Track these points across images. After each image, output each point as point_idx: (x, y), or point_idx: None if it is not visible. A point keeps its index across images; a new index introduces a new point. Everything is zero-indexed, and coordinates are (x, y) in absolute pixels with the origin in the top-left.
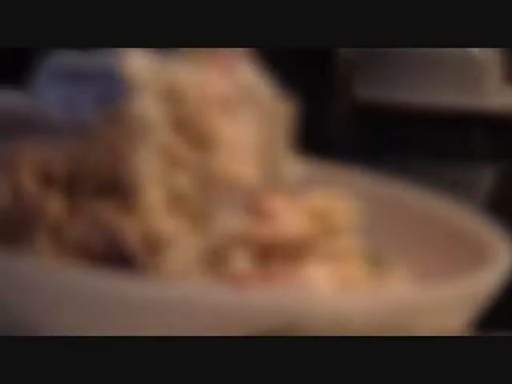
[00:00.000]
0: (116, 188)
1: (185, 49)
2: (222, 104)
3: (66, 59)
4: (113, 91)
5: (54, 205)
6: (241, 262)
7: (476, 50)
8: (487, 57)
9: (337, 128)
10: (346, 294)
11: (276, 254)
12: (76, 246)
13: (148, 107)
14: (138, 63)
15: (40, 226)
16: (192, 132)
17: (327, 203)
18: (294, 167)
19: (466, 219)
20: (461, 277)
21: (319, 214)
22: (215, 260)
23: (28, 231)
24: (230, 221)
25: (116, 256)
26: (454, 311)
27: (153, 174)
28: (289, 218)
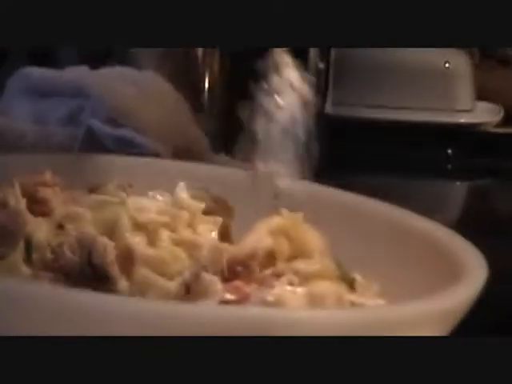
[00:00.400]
0: None
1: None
2: None
3: (34, 75)
4: (80, 108)
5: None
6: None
7: (450, 64)
8: (461, 72)
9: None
10: (317, 311)
11: (246, 272)
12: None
13: None
14: None
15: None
16: None
17: (298, 224)
18: None
19: (441, 235)
20: (435, 293)
21: (289, 233)
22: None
23: (7, 244)
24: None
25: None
26: (428, 328)
27: None
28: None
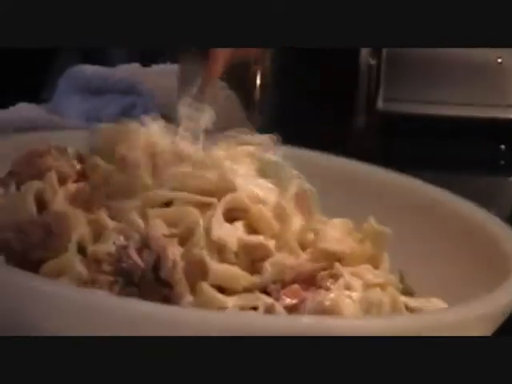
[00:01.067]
0: None
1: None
2: None
3: (86, 73)
4: (132, 105)
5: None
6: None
7: (502, 59)
8: None
9: (360, 140)
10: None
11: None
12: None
13: None
14: None
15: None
16: None
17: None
18: None
19: (493, 231)
20: (489, 291)
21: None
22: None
23: (54, 243)
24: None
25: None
26: (478, 328)
27: None
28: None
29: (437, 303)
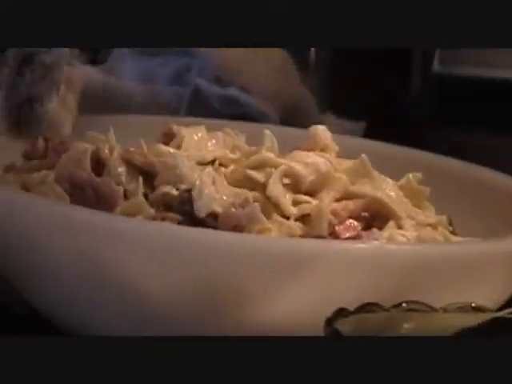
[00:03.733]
0: None
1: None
2: None
3: None
4: (187, 67)
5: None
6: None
7: None
8: None
9: (414, 102)
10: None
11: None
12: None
13: None
14: None
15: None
16: None
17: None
18: None
19: None
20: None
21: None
22: None
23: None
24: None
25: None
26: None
27: None
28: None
29: None
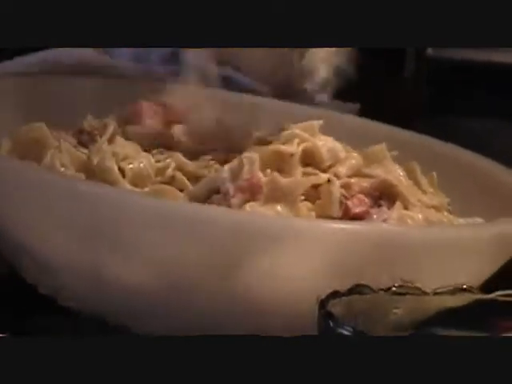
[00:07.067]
0: None
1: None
2: None
3: None
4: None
5: None
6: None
7: None
8: None
9: (407, 87)
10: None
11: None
12: None
13: None
14: None
15: None
16: None
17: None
18: None
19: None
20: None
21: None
22: None
23: None
24: None
25: None
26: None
27: None
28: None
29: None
